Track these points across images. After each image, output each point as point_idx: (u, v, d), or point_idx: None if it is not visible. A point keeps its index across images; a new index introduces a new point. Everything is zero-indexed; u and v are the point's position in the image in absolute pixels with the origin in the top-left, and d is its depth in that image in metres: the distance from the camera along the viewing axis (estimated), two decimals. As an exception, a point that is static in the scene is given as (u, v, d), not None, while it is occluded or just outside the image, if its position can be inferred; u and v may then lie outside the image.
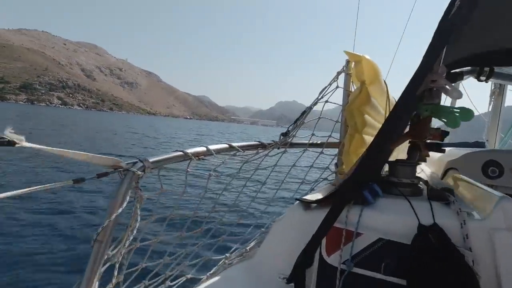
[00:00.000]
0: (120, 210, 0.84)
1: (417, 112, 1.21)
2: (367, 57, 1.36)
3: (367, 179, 1.02)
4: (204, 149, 1.15)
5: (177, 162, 1.06)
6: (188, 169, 1.12)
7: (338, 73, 1.49)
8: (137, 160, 0.92)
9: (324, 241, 0.93)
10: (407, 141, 1.34)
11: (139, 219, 0.93)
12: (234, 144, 1.27)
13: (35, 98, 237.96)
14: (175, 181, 7.35)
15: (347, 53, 1.41)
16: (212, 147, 1.18)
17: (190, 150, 1.08)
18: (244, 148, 1.33)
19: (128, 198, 0.88)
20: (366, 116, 1.44)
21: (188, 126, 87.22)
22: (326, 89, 1.49)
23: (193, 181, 5.93)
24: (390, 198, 1.05)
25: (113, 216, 0.84)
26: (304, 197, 1.14)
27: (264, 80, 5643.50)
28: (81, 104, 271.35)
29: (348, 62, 1.52)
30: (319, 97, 1.49)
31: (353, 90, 1.52)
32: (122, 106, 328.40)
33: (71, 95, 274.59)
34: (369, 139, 1.40)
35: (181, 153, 1.06)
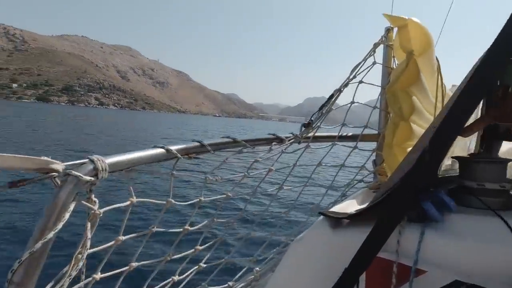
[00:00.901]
0: (51, 234, 0.57)
1: (504, 82, 0.80)
2: (415, 20, 1.08)
3: (428, 182, 0.69)
4: (196, 144, 0.89)
5: (156, 162, 0.80)
6: (174, 172, 0.85)
7: (376, 45, 1.20)
8: (87, 159, 0.65)
9: (363, 278, 0.65)
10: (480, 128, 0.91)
11: (88, 245, 0.64)
12: (240, 138, 0.99)
13: (75, 99, 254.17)
14: (157, 186, 6.64)
15: (387, 16, 1.13)
16: (209, 141, 0.91)
17: (175, 147, 0.83)
18: (254, 143, 1.02)
19: (68, 215, 0.60)
20: (415, 98, 1.14)
21: (214, 122, 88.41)
22: (359, 66, 1.16)
23: (182, 186, 5.70)
24: (467, 214, 0.70)
25: (39, 244, 0.56)
26: (332, 209, 0.84)
27: (292, 76, 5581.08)
28: (116, 104, 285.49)
29: (388, 30, 1.24)
30: (351, 77, 1.18)
31: (395, 66, 1.24)
32: (154, 105, 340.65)
33: (107, 96, 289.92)
34: (418, 129, 1.15)
35: (161, 150, 0.80)
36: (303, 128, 1.21)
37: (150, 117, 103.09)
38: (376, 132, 1.29)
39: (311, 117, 1.23)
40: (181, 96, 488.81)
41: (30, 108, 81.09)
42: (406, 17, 1.08)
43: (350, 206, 0.86)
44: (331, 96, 1.25)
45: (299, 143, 1.20)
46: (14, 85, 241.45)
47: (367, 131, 1.31)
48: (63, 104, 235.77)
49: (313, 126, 1.21)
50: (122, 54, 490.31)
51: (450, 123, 0.62)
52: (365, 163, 1.32)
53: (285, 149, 1.14)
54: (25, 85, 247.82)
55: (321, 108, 1.24)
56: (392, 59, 1.25)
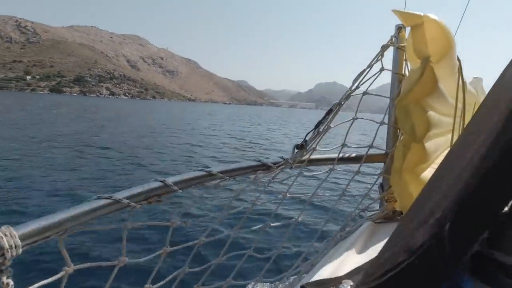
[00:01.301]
0: None
1: None
2: (432, 16, 0.88)
3: (473, 243, 0.49)
4: (158, 185, 0.71)
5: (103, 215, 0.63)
6: (129, 223, 0.69)
7: (384, 48, 1.00)
8: None
9: None
10: None
11: None
12: (217, 170, 0.79)
13: (87, 90, 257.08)
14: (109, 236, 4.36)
15: (397, 13, 0.93)
16: (176, 179, 0.72)
17: (127, 192, 0.67)
18: (234, 173, 0.82)
19: None
20: (431, 114, 0.94)
21: (222, 110, 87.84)
22: (364, 74, 0.99)
23: (146, 232, 4.24)
24: None
25: None
26: (322, 270, 0.71)
27: (302, 61, 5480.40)
28: (126, 94, 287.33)
29: (399, 29, 1.03)
30: (354, 87, 1.01)
31: (407, 72, 1.04)
32: (164, 94, 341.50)
33: (117, 86, 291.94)
34: (434, 144, 0.96)
35: (105, 201, 0.63)
36: (296, 150, 0.98)
37: (159, 105, 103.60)
38: (383, 152, 1.09)
39: (305, 137, 0.99)
40: (191, 84, 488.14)
41: (41, 100, 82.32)
42: (421, 14, 0.87)
43: (345, 260, 0.73)
44: (329, 112, 1.03)
45: (291, 168, 0.97)
46: (28, 77, 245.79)
47: (372, 151, 1.09)
48: (75, 94, 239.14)
49: (308, 148, 0.98)
50: (132, 44, 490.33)
51: (491, 186, 0.40)
52: (370, 190, 1.12)
53: (273, 178, 0.94)
54: (38, 77, 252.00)
55: (317, 125, 1.00)
56: (404, 63, 1.05)
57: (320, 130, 1.00)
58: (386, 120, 1.07)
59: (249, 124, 37.00)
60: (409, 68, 1.03)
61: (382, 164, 1.08)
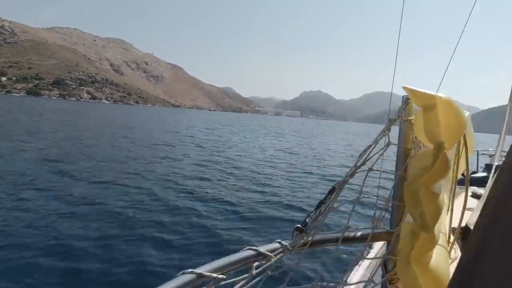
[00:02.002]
0: None
1: None
2: (445, 97, 0.83)
3: None
4: None
5: None
6: None
7: (391, 122, 0.96)
8: None
9: None
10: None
11: None
12: (204, 269, 0.70)
13: (66, 93, 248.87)
14: None
15: (407, 90, 0.88)
16: None
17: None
18: (225, 270, 0.73)
19: None
20: (441, 198, 0.87)
21: (207, 117, 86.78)
22: (370, 150, 0.93)
23: None
24: None
25: None
26: None
27: (288, 70, 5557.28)
28: (109, 98, 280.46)
29: (407, 101, 0.99)
30: (359, 163, 0.93)
31: (415, 149, 0.98)
32: (148, 99, 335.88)
33: (99, 90, 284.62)
34: (438, 229, 0.88)
35: None
36: (295, 233, 0.90)
37: (142, 110, 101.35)
38: (386, 229, 1.01)
39: (306, 219, 0.91)
40: (176, 90, 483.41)
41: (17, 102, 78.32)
42: (434, 94, 0.82)
43: None
44: (332, 190, 0.94)
45: (291, 253, 0.88)
46: (3, 78, 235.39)
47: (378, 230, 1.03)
48: (54, 98, 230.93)
49: (309, 232, 0.89)
50: (116, 47, 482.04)
51: None
52: (373, 274, 1.03)
53: (271, 269, 0.82)
54: (14, 78, 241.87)
55: (318, 206, 0.92)
56: (411, 136, 0.99)
57: (322, 210, 0.92)
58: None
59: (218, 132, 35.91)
60: (416, 139, 0.97)
61: (385, 244, 1.03)
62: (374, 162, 0.91)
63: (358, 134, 63.86)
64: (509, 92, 3.61)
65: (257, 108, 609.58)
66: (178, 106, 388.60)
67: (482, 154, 6.53)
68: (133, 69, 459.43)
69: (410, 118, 0.97)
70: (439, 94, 0.82)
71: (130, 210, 6.50)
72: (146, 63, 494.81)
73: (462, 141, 0.98)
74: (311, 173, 12.86)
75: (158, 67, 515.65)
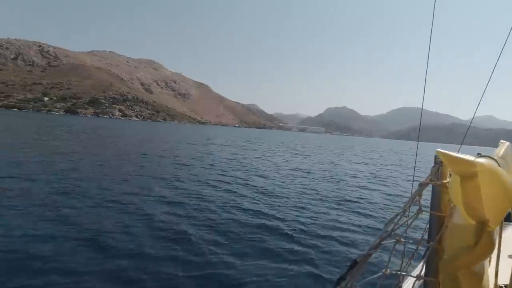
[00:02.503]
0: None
1: None
2: (488, 164, 0.72)
3: None
4: None
5: None
6: None
7: (422, 187, 0.86)
8: None
9: None
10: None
11: None
12: None
13: (100, 111, 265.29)
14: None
15: (442, 155, 0.76)
16: None
17: None
18: None
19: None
20: (486, 279, 0.77)
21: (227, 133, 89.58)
22: (399, 217, 0.84)
23: None
24: None
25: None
26: None
27: (313, 86, 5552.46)
28: (138, 115, 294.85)
29: (440, 163, 0.87)
30: (385, 234, 0.83)
31: (451, 216, 0.85)
32: (175, 116, 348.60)
33: (130, 107, 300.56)
34: None
35: None
36: None
37: (168, 127, 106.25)
38: None
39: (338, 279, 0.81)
40: (201, 107, 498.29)
41: (55, 120, 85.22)
42: (473, 159, 0.71)
43: None
44: (354, 264, 0.82)
45: None
46: (46, 98, 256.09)
47: None
48: (89, 116, 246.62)
49: None
50: (146, 67, 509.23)
51: None
52: None
53: None
54: (55, 98, 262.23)
55: (338, 283, 0.82)
56: (449, 204, 0.86)
57: (343, 286, 0.81)
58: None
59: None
60: (452, 205, 0.84)
61: None
62: (403, 232, 0.81)
63: (386, 150, 62.83)
64: None
65: (281, 124, 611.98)
66: (203, 123, 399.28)
67: None
68: (162, 87, 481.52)
69: (445, 181, 0.85)
70: (480, 160, 0.70)
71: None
72: (174, 82, 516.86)
73: None
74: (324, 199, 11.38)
75: (186, 85, 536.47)
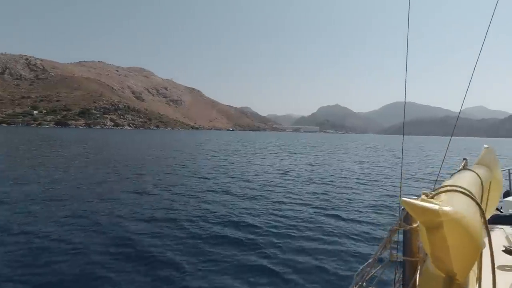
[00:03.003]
0: None
1: None
2: (454, 213, 0.67)
3: None
4: None
5: None
6: None
7: (391, 232, 0.85)
8: None
9: None
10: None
11: None
12: None
13: (91, 121, 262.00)
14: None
15: (405, 204, 0.73)
16: None
17: None
18: None
19: None
20: None
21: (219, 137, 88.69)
22: (368, 269, 0.83)
23: None
24: None
25: None
26: None
27: (304, 86, 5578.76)
28: (130, 124, 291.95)
29: (406, 212, 0.86)
30: (355, 285, 0.80)
31: (426, 262, 0.82)
32: (168, 123, 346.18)
33: (122, 117, 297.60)
34: None
35: None
36: None
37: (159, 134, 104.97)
38: None
39: None
40: (194, 112, 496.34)
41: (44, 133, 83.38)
42: (438, 208, 0.67)
43: None
44: None
45: None
46: (35, 112, 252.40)
47: None
48: (80, 127, 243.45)
49: None
50: (137, 76, 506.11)
51: None
52: None
53: None
54: (45, 111, 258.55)
55: None
56: (418, 242, 0.85)
57: None
58: None
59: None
60: (420, 246, 0.82)
61: None
62: (374, 282, 0.79)
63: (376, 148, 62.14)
64: None
65: (275, 126, 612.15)
66: (197, 128, 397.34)
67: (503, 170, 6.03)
68: (153, 95, 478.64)
69: (414, 225, 0.84)
70: (445, 209, 0.65)
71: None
72: (166, 89, 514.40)
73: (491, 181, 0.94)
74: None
75: (177, 91, 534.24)
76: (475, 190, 0.96)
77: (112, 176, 14.87)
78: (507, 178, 5.55)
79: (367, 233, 7.30)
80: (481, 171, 1.28)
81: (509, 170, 5.67)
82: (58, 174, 14.84)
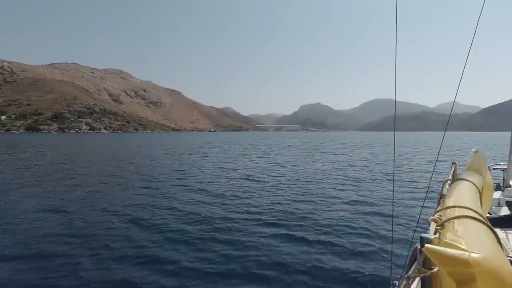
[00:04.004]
0: None
1: None
2: (481, 260, 0.61)
3: None
4: None
5: None
6: None
7: (409, 279, 0.80)
8: None
9: None
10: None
11: None
12: None
13: (65, 126, 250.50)
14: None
15: (428, 252, 0.68)
16: None
17: None
18: None
19: None
20: None
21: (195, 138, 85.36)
22: None
23: None
24: None
25: None
26: None
27: (286, 86, 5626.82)
28: (107, 128, 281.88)
29: (423, 256, 0.79)
30: None
31: None
32: (147, 125, 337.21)
33: (98, 120, 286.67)
34: None
35: None
36: None
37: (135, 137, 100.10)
38: None
39: None
40: (175, 114, 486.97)
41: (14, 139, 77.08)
42: (468, 256, 0.61)
43: None
44: None
45: None
46: (3, 117, 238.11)
47: None
48: (53, 132, 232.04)
49: None
50: (114, 77, 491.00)
51: None
52: None
53: None
54: (14, 116, 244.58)
55: None
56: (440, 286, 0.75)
57: None
58: None
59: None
60: None
61: None
62: None
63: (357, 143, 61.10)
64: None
65: (257, 125, 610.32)
66: (178, 130, 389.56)
67: (494, 169, 5.76)
68: (131, 97, 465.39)
69: (434, 269, 0.75)
70: (475, 257, 0.58)
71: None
72: (145, 90, 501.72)
73: (485, 180, 0.98)
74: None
75: (157, 93, 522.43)
76: (477, 204, 0.95)
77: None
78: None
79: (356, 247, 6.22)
80: (475, 178, 1.28)
81: (488, 167, 5.82)
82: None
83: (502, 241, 1.89)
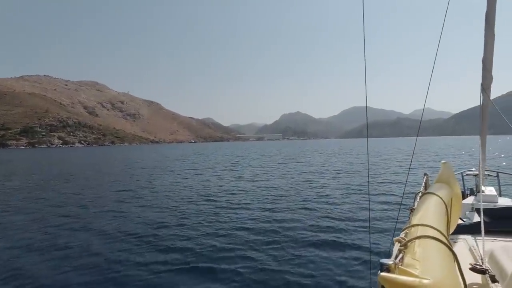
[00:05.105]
0: None
1: None
2: (432, 285, 0.66)
3: None
4: None
5: None
6: None
7: None
8: None
9: None
10: None
11: None
12: None
13: (35, 140, 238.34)
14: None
15: (383, 280, 0.72)
16: None
17: None
18: None
19: None
20: None
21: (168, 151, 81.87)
22: None
23: None
24: None
25: None
26: None
27: (266, 95, 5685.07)
28: (82, 141, 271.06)
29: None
30: None
31: None
32: (124, 138, 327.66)
33: (71, 134, 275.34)
34: None
35: None
36: None
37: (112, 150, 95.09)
38: None
39: None
40: (154, 126, 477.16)
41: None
42: (418, 282, 0.66)
43: None
44: None
45: None
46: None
47: None
48: (22, 147, 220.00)
49: None
50: (89, 90, 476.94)
51: None
52: None
53: None
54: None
55: None
56: None
57: None
58: None
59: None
60: None
61: None
62: None
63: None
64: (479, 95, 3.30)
65: (238, 136, 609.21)
66: (157, 142, 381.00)
67: (467, 174, 5.94)
68: (108, 109, 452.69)
69: None
70: (425, 282, 0.63)
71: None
72: (122, 102, 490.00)
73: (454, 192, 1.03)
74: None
75: (135, 105, 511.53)
76: (441, 220, 1.03)
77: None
78: (461, 180, 5.76)
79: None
80: (443, 191, 1.39)
81: (462, 173, 5.86)
82: None
83: (471, 249, 1.99)
